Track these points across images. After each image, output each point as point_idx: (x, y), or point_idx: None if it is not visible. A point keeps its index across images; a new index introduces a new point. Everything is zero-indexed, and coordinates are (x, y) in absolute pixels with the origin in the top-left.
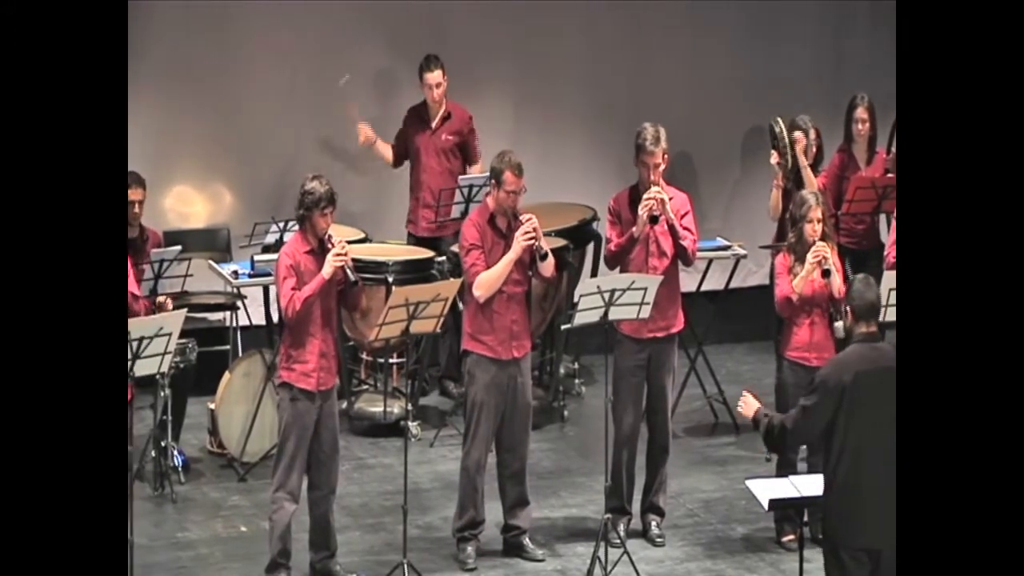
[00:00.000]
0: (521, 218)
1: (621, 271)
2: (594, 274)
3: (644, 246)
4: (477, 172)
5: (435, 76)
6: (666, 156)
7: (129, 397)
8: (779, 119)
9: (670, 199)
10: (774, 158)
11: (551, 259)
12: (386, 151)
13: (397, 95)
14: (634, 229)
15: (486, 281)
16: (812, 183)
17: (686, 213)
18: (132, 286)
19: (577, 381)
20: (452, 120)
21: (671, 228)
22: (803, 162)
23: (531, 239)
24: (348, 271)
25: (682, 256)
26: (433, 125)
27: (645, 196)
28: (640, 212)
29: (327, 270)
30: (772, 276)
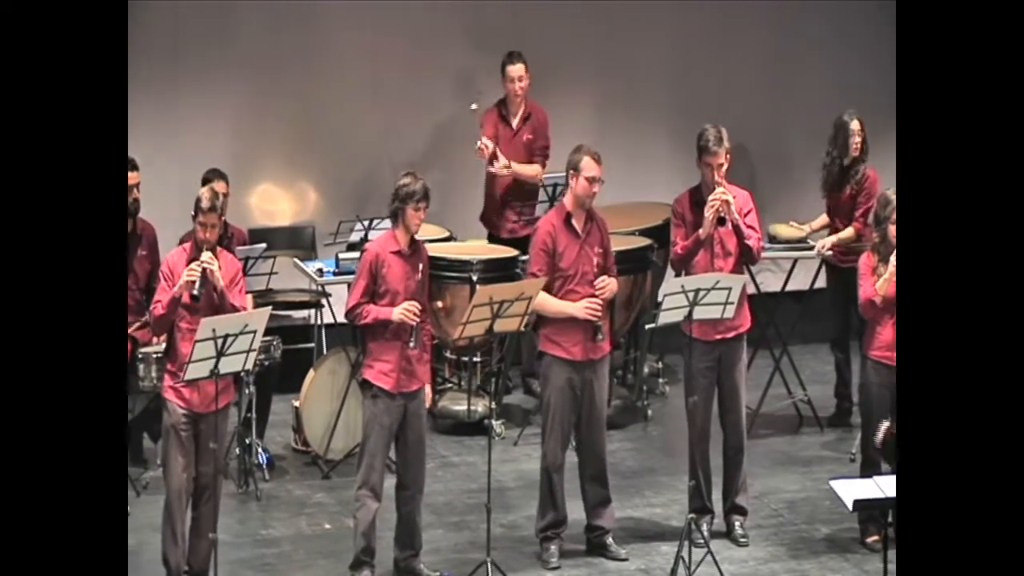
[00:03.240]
0: (597, 286)
1: (686, 273)
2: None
3: (709, 247)
4: (532, 173)
5: (517, 69)
6: (728, 156)
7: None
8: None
9: (733, 198)
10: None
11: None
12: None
13: (479, 94)
14: (700, 231)
15: (540, 307)
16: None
17: (749, 211)
18: (240, 295)
19: (661, 380)
20: (532, 120)
21: (736, 228)
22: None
23: (595, 313)
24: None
25: (747, 255)
26: (514, 124)
27: (711, 198)
28: (707, 214)
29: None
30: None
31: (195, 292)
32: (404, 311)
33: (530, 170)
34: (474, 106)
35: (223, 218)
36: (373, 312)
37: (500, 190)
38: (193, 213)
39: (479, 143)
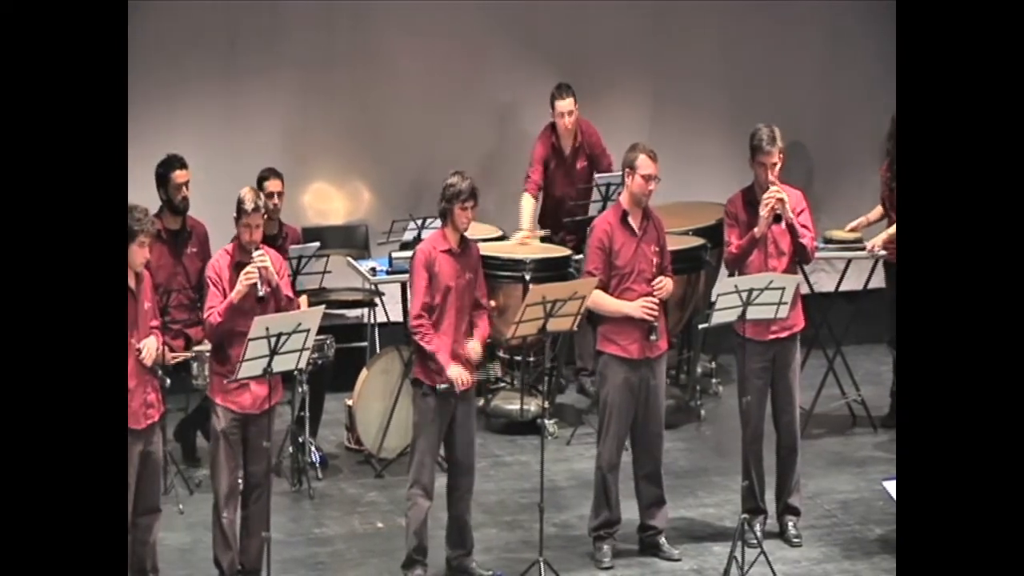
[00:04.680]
0: (655, 286)
1: (739, 273)
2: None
3: (763, 247)
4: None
5: (566, 104)
6: (782, 155)
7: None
8: None
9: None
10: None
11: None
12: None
13: (534, 94)
14: (755, 230)
15: (596, 305)
16: None
17: (802, 210)
18: (287, 288)
19: (714, 380)
20: (583, 146)
21: (790, 227)
22: None
23: (651, 312)
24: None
25: (801, 254)
26: (567, 155)
27: (765, 196)
28: (762, 212)
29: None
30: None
31: (260, 294)
32: (460, 374)
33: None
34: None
35: (277, 217)
36: (435, 350)
37: (549, 211)
38: (236, 215)
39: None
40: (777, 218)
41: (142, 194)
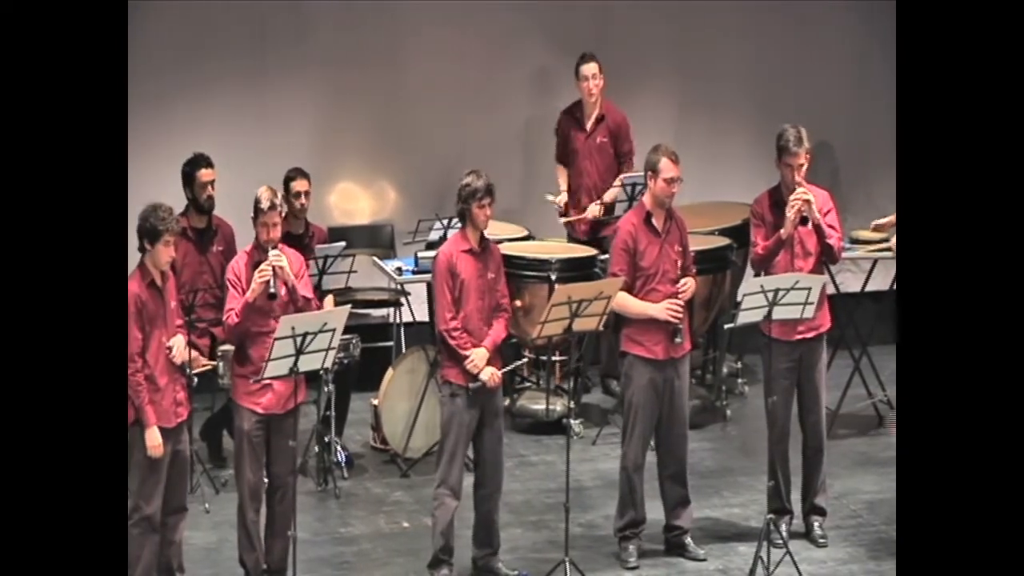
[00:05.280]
0: (679, 288)
1: (765, 274)
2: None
3: (789, 247)
4: (612, 198)
5: (591, 67)
6: (808, 156)
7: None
8: None
9: (813, 197)
10: None
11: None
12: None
13: (558, 94)
14: (782, 231)
15: (621, 307)
16: None
17: (829, 211)
18: (307, 287)
19: (740, 380)
20: (606, 121)
21: (817, 227)
22: None
23: (676, 315)
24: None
25: (828, 254)
26: (588, 127)
27: (792, 198)
28: (788, 214)
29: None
30: None
31: (272, 291)
32: (493, 374)
33: (610, 195)
34: (549, 197)
35: (304, 217)
36: (467, 351)
37: (574, 191)
38: (253, 215)
39: (551, 198)
40: (804, 220)
41: (170, 193)
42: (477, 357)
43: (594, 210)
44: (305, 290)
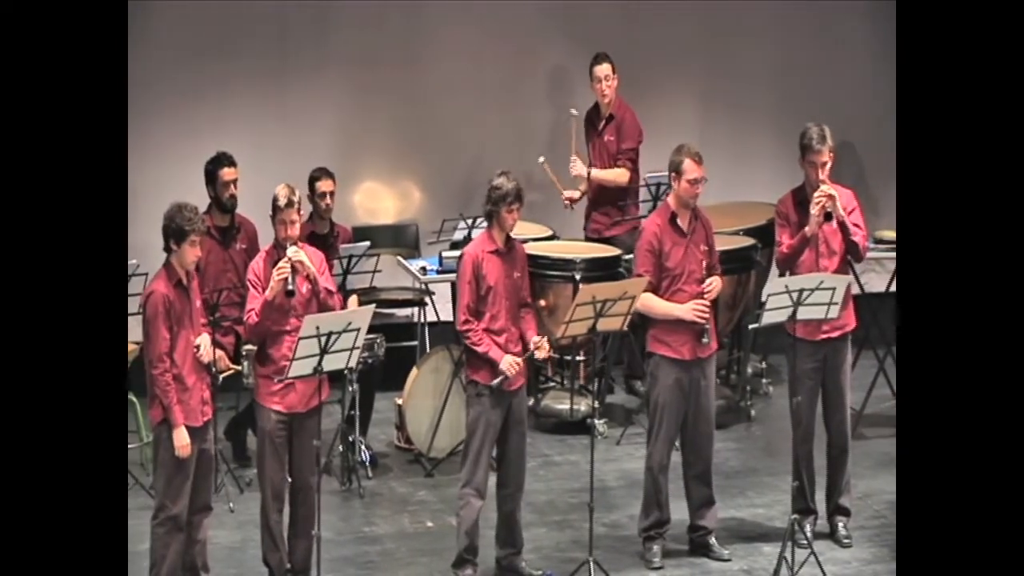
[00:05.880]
0: (705, 288)
1: (791, 273)
2: (782, 274)
3: (814, 246)
4: (611, 178)
5: (603, 68)
6: (832, 155)
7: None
8: None
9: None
10: None
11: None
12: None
13: (581, 93)
14: (807, 228)
15: (646, 308)
16: None
17: (853, 209)
18: (328, 282)
19: (764, 381)
20: (615, 121)
21: (841, 224)
22: None
23: (702, 315)
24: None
25: (853, 252)
26: (599, 126)
27: (816, 194)
28: (812, 211)
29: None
30: None
31: (290, 287)
32: (512, 363)
33: (609, 175)
34: (574, 111)
35: (329, 217)
36: (487, 348)
37: (590, 193)
38: (272, 212)
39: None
40: (828, 216)
41: (195, 192)
42: (506, 363)
43: (581, 176)
44: (327, 283)
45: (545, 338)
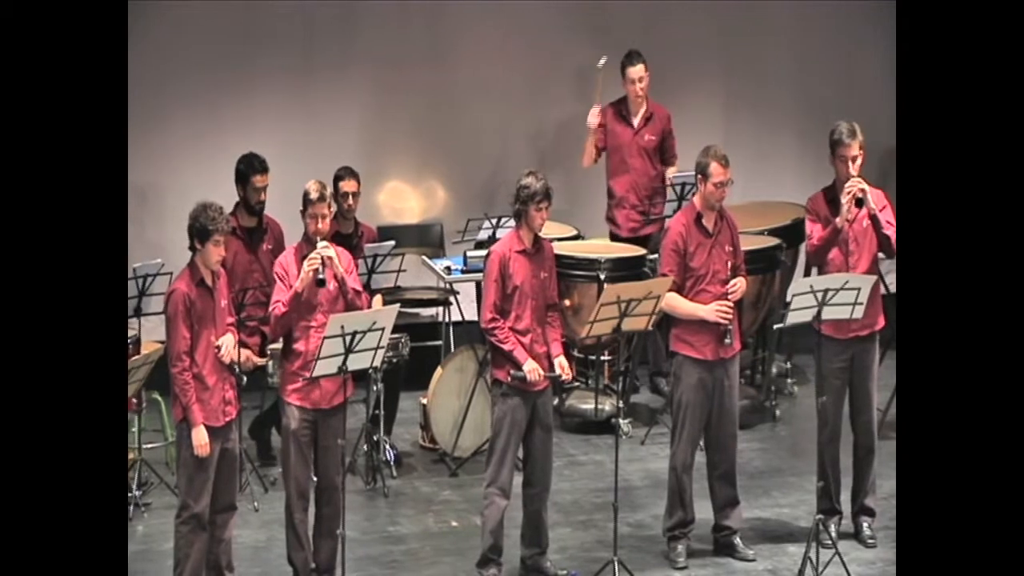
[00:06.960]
0: (729, 289)
1: (819, 272)
2: (807, 273)
3: (844, 246)
4: (675, 172)
5: (637, 70)
6: (863, 150)
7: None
8: None
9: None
10: None
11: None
12: (591, 147)
13: (605, 93)
14: (837, 219)
15: (670, 308)
16: None
17: (884, 207)
18: (356, 282)
19: (789, 381)
20: (654, 120)
21: (873, 219)
22: None
23: (726, 316)
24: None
25: (885, 246)
26: (636, 124)
27: (847, 185)
28: (843, 200)
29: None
30: None
31: (321, 277)
32: (536, 370)
33: (673, 171)
34: (602, 61)
35: (353, 217)
36: (512, 347)
37: (620, 190)
38: (302, 207)
39: (590, 148)
40: (859, 202)
41: (221, 192)
42: (529, 368)
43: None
44: (355, 283)
45: (568, 366)
